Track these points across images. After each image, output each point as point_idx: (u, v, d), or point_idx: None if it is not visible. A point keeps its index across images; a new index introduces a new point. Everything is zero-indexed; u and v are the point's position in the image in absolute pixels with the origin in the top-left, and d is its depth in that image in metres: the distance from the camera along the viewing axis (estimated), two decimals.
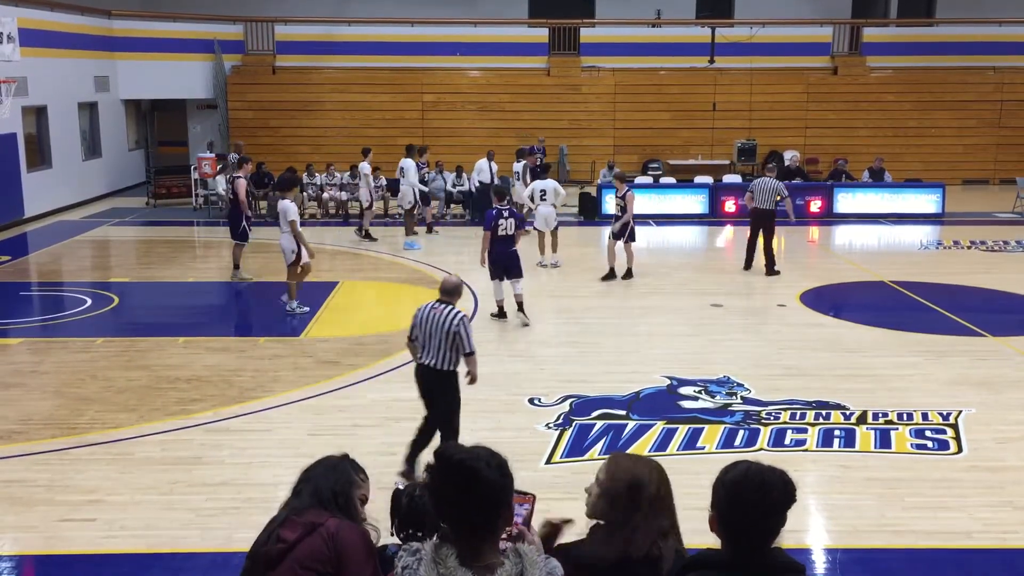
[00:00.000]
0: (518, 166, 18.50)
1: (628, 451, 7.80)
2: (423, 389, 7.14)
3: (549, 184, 15.27)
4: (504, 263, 11.85)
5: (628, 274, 14.37)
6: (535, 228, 15.30)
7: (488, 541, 2.58)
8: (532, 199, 15.34)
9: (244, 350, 10.87)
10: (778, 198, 14.69)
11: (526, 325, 11.82)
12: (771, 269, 14.64)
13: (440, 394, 7.04)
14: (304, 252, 12.27)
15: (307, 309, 12.44)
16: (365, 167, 18.21)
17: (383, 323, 12.20)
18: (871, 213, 20.47)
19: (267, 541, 3.25)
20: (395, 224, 19.70)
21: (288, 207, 12.28)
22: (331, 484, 3.32)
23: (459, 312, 6.99)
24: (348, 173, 20.29)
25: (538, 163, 20.04)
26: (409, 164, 17.98)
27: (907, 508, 6.89)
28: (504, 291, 12.06)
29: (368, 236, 17.94)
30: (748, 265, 15.01)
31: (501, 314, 12.04)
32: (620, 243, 14.31)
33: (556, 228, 15.27)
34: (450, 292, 7.17)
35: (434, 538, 2.66)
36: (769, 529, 2.65)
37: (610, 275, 14.35)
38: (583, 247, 17.65)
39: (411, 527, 3.34)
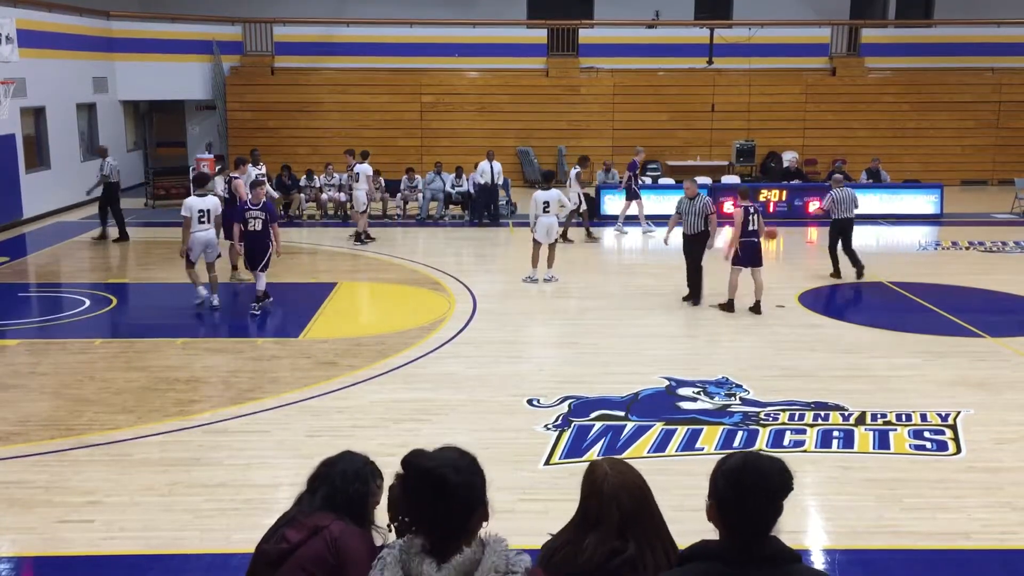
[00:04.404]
0: (573, 172, 18.26)
1: (627, 452, 7.81)
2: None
3: (552, 194, 14.45)
4: (258, 254, 12.60)
5: (756, 308, 12.52)
6: (535, 239, 14.38)
7: (464, 540, 2.58)
8: (535, 210, 14.35)
9: (242, 351, 10.87)
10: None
11: (254, 315, 12.44)
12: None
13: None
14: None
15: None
16: (366, 168, 17.99)
17: (381, 324, 12.19)
18: (869, 214, 20.39)
19: (271, 539, 3.31)
20: (394, 225, 19.76)
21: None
22: (348, 494, 3.34)
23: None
24: (346, 174, 20.23)
25: (628, 180, 19.48)
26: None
27: (906, 509, 6.89)
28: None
29: (361, 238, 17.64)
30: (838, 272, 14.50)
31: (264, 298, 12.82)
32: (745, 270, 12.60)
33: (555, 242, 14.41)
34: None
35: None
36: (768, 517, 2.67)
37: (729, 306, 12.68)
38: (581, 248, 17.66)
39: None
